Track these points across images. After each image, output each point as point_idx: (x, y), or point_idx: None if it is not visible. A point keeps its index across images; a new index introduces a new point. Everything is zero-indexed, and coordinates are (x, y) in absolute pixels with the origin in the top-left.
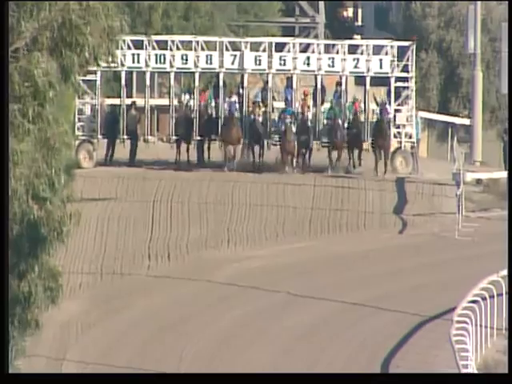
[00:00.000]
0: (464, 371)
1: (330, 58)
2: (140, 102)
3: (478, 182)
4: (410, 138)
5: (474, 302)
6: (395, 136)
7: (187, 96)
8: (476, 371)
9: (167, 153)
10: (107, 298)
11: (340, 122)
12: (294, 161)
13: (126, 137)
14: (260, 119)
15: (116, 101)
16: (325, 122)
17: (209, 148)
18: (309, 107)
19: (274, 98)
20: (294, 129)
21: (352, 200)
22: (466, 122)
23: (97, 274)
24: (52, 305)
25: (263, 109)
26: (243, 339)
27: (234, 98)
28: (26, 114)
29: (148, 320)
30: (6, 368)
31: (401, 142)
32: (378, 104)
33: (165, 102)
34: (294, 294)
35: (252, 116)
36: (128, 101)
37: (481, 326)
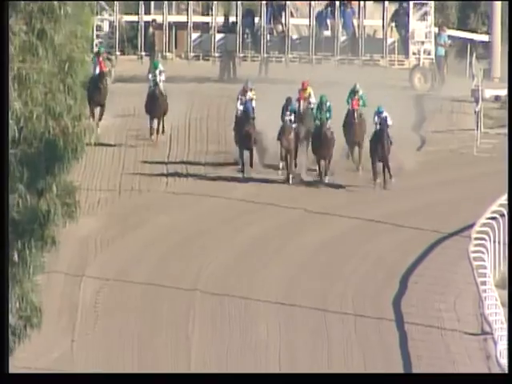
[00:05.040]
0: (482, 288)
1: None
2: (158, 18)
3: (497, 98)
4: (429, 54)
5: (492, 218)
6: (414, 53)
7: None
8: (494, 288)
9: (185, 69)
10: (125, 215)
11: (328, 125)
12: (293, 164)
13: (143, 53)
14: (252, 104)
15: (134, 18)
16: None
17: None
18: (307, 99)
19: (292, 15)
20: (294, 126)
21: (370, 117)
22: (485, 38)
23: (115, 190)
24: (69, 220)
25: (253, 94)
26: (260, 255)
27: (249, 95)
28: (33, 30)
29: (166, 236)
30: (5, 368)
31: (419, 59)
32: (376, 113)
33: (183, 18)
34: (311, 211)
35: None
36: (146, 17)
37: (499, 242)
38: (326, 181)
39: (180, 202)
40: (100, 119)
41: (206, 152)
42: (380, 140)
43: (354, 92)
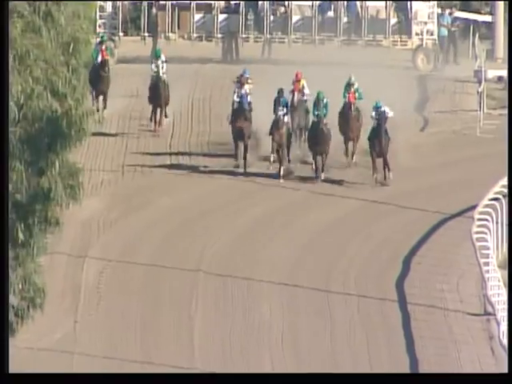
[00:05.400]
0: (485, 269)
1: None
2: None
3: (500, 79)
4: (432, 35)
5: (495, 199)
6: (417, 33)
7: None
8: (497, 268)
9: (188, 50)
10: (128, 196)
11: (324, 121)
12: (285, 158)
13: (146, 34)
14: (248, 98)
15: None
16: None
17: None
18: (300, 90)
19: None
20: (286, 119)
21: (372, 97)
22: (488, 18)
23: (118, 171)
24: (73, 202)
25: (250, 86)
26: (263, 236)
27: (246, 89)
28: (38, 12)
29: (169, 217)
30: (5, 368)
31: (422, 40)
32: (374, 108)
33: None
34: (315, 192)
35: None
36: None
37: (502, 223)
38: (322, 177)
39: (183, 183)
40: (104, 107)
41: (208, 133)
42: (378, 137)
43: (349, 85)
